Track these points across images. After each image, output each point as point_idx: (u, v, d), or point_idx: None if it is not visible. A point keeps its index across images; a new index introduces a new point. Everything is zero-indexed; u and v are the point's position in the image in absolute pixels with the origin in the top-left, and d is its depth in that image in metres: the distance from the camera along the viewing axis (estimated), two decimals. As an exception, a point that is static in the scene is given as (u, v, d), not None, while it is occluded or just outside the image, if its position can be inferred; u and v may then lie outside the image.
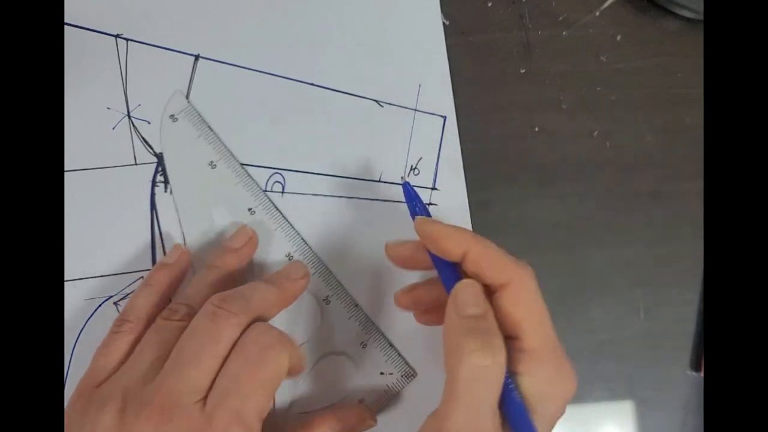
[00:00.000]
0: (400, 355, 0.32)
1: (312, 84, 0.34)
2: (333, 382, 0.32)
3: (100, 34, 0.33)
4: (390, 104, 0.34)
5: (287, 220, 0.33)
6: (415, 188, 0.29)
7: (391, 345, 0.32)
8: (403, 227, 0.32)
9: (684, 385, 0.34)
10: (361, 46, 0.34)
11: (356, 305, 0.32)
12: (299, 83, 0.34)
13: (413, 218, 0.28)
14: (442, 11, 0.34)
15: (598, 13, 0.36)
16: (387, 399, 0.32)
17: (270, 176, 0.33)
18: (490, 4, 0.36)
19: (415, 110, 0.34)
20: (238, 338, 0.26)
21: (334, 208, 0.33)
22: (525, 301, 0.24)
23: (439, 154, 0.34)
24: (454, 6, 0.35)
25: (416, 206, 0.28)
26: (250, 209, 0.32)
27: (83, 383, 0.27)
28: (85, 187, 0.32)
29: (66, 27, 0.33)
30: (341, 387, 0.32)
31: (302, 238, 0.33)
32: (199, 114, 0.33)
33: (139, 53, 0.33)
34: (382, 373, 0.32)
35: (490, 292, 0.25)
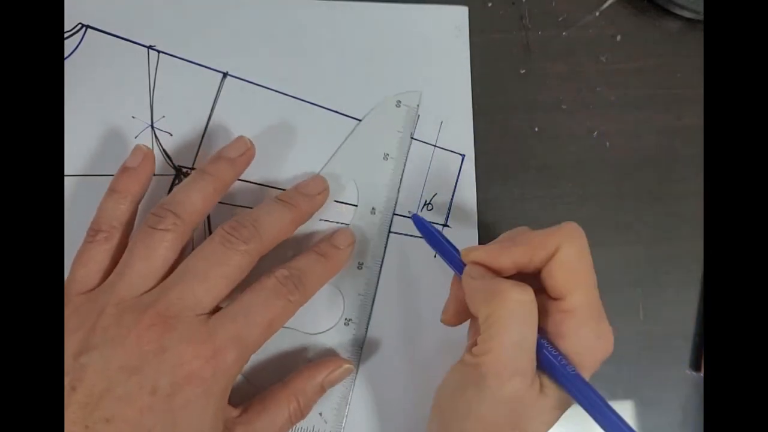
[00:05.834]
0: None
1: (337, 112, 0.34)
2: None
3: (134, 44, 0.33)
4: (412, 138, 0.34)
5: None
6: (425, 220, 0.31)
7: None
8: (402, 257, 0.33)
9: (684, 385, 0.34)
10: (388, 79, 0.34)
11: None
12: (324, 110, 0.34)
13: (440, 248, 0.30)
14: (442, 11, 0.35)
15: (598, 14, 0.36)
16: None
17: None
18: (490, 5, 0.36)
19: (435, 146, 0.34)
20: (246, 266, 0.27)
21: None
22: (567, 264, 0.26)
23: (454, 191, 0.34)
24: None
25: (437, 240, 0.30)
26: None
27: (65, 292, 0.27)
28: (102, 193, 0.31)
29: (100, 33, 0.33)
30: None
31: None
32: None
33: (169, 66, 0.33)
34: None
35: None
